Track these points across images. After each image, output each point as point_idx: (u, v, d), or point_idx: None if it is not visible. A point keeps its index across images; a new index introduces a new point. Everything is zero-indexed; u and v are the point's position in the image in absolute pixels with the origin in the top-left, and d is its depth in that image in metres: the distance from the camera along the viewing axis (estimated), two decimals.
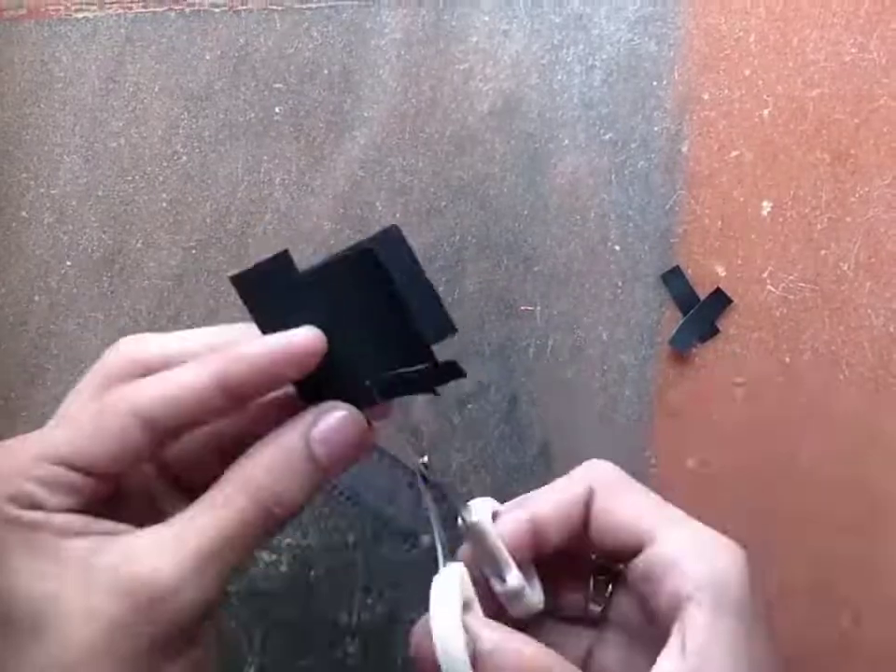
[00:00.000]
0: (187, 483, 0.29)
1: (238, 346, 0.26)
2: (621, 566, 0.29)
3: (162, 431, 0.25)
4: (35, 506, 0.25)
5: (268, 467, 0.26)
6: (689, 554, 0.27)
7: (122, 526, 0.25)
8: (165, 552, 0.24)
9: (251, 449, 0.26)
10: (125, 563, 0.24)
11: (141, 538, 0.25)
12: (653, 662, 0.26)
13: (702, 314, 0.38)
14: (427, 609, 0.27)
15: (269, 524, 0.26)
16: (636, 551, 0.28)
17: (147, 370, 0.27)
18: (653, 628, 0.28)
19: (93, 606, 0.24)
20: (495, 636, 0.26)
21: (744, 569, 0.27)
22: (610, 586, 0.30)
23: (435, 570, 0.28)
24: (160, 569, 0.24)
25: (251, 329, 0.27)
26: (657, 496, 0.29)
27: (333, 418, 0.26)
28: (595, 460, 0.30)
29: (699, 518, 0.28)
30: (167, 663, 0.24)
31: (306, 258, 0.40)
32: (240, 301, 0.42)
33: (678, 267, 0.38)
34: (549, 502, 0.29)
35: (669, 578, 0.26)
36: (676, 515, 0.29)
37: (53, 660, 0.24)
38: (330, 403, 0.27)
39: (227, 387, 0.25)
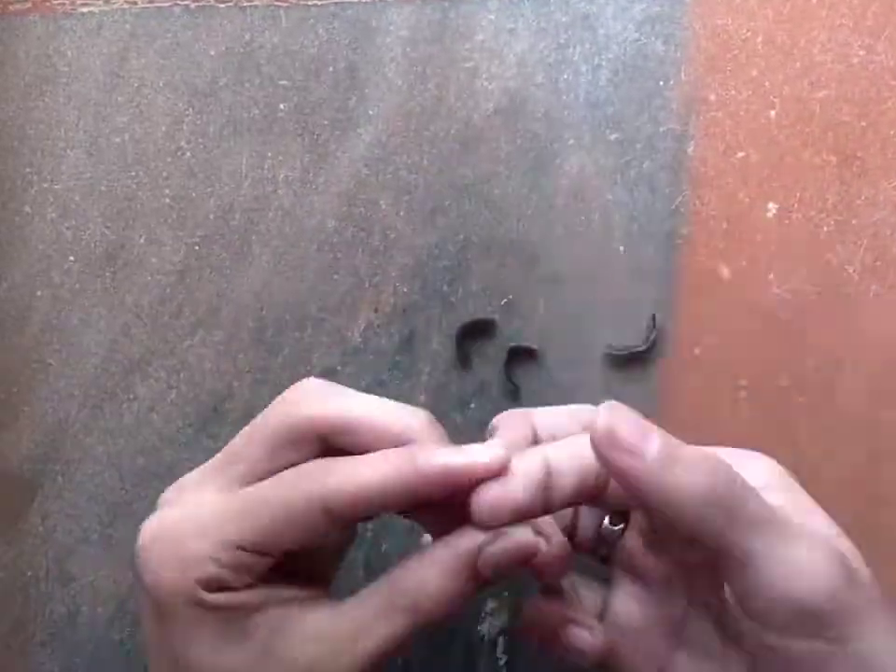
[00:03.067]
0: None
1: (423, 455, 0.27)
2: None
3: (346, 522, 0.27)
4: (223, 588, 0.27)
5: (434, 589, 0.27)
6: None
7: (292, 592, 0.28)
8: (341, 655, 0.27)
9: (420, 558, 0.28)
10: (302, 656, 0.27)
11: (318, 635, 0.27)
12: (667, 611, 0.28)
13: None
14: None
15: (421, 629, 0.28)
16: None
17: (328, 433, 0.28)
18: (668, 578, 0.29)
19: None
20: None
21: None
22: (621, 530, 0.30)
23: None
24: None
25: (428, 419, 0.29)
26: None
27: (512, 543, 0.27)
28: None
29: None
30: None
31: (310, 255, 0.40)
32: (242, 299, 0.42)
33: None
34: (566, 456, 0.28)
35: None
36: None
37: None
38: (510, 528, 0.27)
39: (414, 496, 0.27)
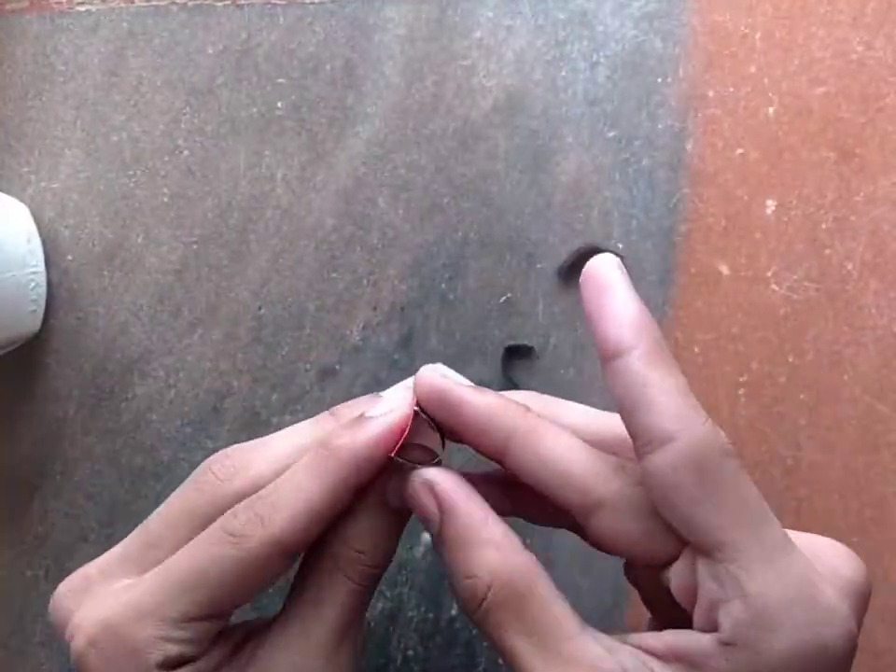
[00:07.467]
0: None
1: (342, 439, 0.26)
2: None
3: (302, 549, 0.26)
4: (183, 662, 0.25)
5: (358, 539, 0.26)
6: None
7: (233, 639, 0.27)
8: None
9: (340, 525, 0.26)
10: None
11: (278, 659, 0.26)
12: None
13: None
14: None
15: (375, 584, 0.27)
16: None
17: (242, 496, 0.26)
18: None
19: None
20: None
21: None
22: None
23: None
24: None
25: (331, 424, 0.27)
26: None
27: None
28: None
29: None
30: None
31: (308, 253, 0.40)
32: (240, 297, 0.42)
33: None
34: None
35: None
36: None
37: None
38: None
39: (354, 479, 0.26)
